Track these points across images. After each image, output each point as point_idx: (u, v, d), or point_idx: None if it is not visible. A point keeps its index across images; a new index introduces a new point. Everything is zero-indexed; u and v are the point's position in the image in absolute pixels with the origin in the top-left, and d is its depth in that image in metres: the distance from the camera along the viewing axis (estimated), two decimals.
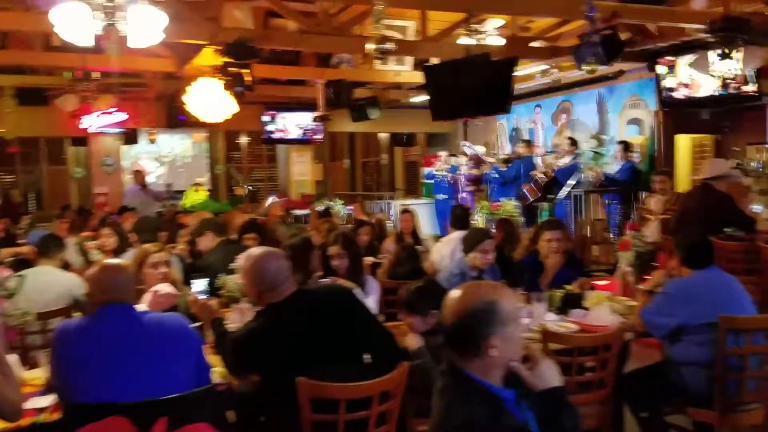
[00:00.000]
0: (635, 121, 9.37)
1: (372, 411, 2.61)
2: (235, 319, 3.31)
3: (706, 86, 7.50)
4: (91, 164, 12.37)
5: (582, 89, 10.04)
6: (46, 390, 2.67)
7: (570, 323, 3.69)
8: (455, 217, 6.13)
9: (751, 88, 7.07)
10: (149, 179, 12.04)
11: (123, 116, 10.41)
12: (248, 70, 6.66)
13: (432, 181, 11.37)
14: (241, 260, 2.94)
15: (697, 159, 8.19)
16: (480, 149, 10.55)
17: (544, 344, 3.19)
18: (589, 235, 8.85)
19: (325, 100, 9.81)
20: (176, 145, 14.07)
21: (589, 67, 5.60)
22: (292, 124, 12.45)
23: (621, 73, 9.00)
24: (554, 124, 10.91)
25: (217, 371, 2.84)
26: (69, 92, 8.95)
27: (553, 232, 4.50)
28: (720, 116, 8.12)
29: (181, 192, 11.40)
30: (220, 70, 6.92)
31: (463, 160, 11.09)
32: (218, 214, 6.96)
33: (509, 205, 7.75)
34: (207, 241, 5.01)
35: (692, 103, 7.78)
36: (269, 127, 12.35)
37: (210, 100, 7.51)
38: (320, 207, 8.99)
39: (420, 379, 2.82)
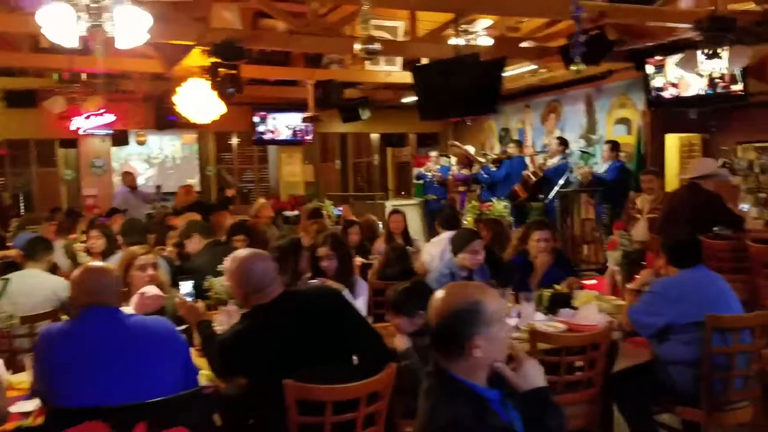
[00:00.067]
0: (624, 121, 9.41)
1: (359, 413, 2.61)
2: (223, 322, 3.30)
3: (695, 86, 7.54)
4: (80, 166, 12.30)
5: (571, 89, 10.07)
6: (32, 394, 2.65)
7: (558, 323, 3.70)
8: (444, 217, 6.13)
9: (738, 87, 7.12)
10: (139, 181, 11.99)
11: (111, 118, 10.36)
12: (235, 71, 6.64)
13: (422, 182, 11.38)
14: (227, 262, 2.92)
15: (685, 158, 8.24)
16: (470, 149, 10.56)
17: (533, 344, 3.20)
18: (579, 234, 8.88)
19: (315, 100, 9.79)
20: (166, 146, 14.01)
21: (576, 68, 5.61)
22: (282, 124, 12.42)
23: (609, 73, 9.03)
24: (543, 124, 10.93)
25: (204, 374, 2.83)
26: (57, 94, 8.91)
27: (541, 232, 4.53)
28: (707, 116, 8.16)
29: (171, 194, 11.35)
30: (209, 71, 6.89)
31: (453, 160, 11.10)
32: (208, 216, 6.92)
33: (499, 206, 7.74)
34: (194, 244, 5.00)
35: (680, 102, 7.81)
36: (260, 128, 12.32)
37: (199, 101, 7.49)
38: (311, 208, 8.96)
39: (408, 380, 2.82)
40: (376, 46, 4.73)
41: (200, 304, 3.19)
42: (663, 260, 3.59)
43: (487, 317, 1.80)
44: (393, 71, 8.97)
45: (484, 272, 4.39)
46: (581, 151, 9.70)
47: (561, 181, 8.77)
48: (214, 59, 6.48)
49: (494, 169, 9.85)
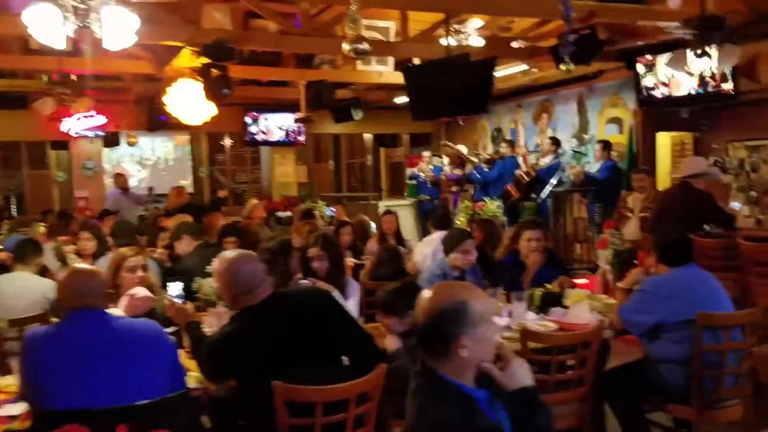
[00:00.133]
0: (615, 121, 9.43)
1: (349, 413, 2.60)
2: (212, 323, 3.29)
3: (685, 85, 7.56)
4: (72, 168, 12.25)
5: (562, 89, 10.09)
6: (19, 397, 2.63)
7: (549, 322, 3.70)
8: (436, 217, 6.13)
9: (729, 86, 7.14)
10: (131, 182, 11.95)
11: (102, 119, 10.32)
12: (224, 71, 6.61)
13: (415, 182, 11.38)
14: (215, 263, 2.91)
15: (677, 157, 8.25)
16: (462, 149, 10.57)
17: (523, 343, 3.20)
18: (571, 233, 8.89)
19: (307, 101, 9.78)
20: (159, 148, 13.98)
21: (565, 67, 5.62)
22: (274, 125, 12.39)
23: (601, 72, 9.05)
24: (535, 124, 10.95)
25: (193, 376, 2.82)
26: (46, 95, 8.86)
27: (532, 232, 4.53)
28: (698, 114, 8.19)
29: (164, 195, 11.31)
30: (200, 72, 6.87)
31: (446, 160, 11.10)
32: (200, 218, 6.90)
33: (492, 206, 7.75)
34: (184, 245, 4.98)
35: (671, 101, 7.83)
36: (252, 129, 12.29)
37: (189, 101, 7.46)
38: (304, 208, 8.94)
39: (398, 380, 2.80)
40: (365, 45, 4.72)
41: (189, 306, 3.18)
42: (653, 259, 3.59)
43: (473, 317, 1.80)
44: (385, 71, 8.96)
45: (476, 272, 4.39)
46: (573, 150, 9.72)
47: (553, 181, 8.78)
48: (204, 60, 6.46)
49: (487, 169, 9.86)
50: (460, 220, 7.06)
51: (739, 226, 6.09)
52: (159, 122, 10.39)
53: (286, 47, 7.70)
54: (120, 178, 10.65)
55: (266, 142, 12.66)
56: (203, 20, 6.82)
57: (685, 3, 6.15)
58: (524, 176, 9.25)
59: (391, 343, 3.06)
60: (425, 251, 5.60)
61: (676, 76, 7.53)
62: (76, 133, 10.57)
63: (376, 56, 8.48)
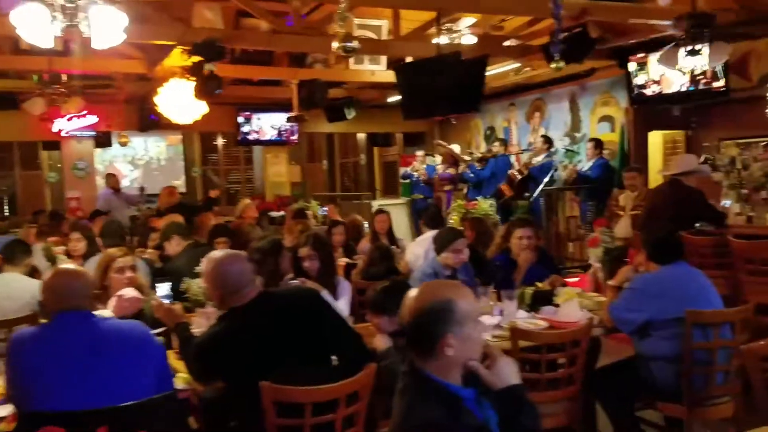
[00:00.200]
0: (607, 119, 9.43)
1: (338, 414, 2.59)
2: (201, 324, 3.27)
3: (677, 83, 7.58)
4: (64, 168, 12.20)
5: (555, 88, 10.09)
6: (5, 400, 2.61)
7: (540, 320, 3.70)
8: (428, 216, 6.13)
9: (720, 84, 7.16)
10: (124, 183, 11.91)
11: (94, 119, 10.27)
12: (214, 70, 6.58)
13: (409, 181, 11.37)
14: (203, 264, 2.90)
15: (669, 155, 8.26)
16: (455, 148, 10.57)
17: (514, 341, 3.19)
18: (564, 232, 8.91)
19: (300, 100, 9.75)
20: (151, 148, 13.94)
21: (556, 65, 5.61)
22: (267, 125, 12.35)
23: (593, 71, 9.05)
24: (528, 122, 10.96)
25: (181, 377, 2.81)
26: (37, 95, 8.81)
27: (523, 230, 4.54)
28: (690, 112, 8.20)
29: (156, 195, 11.28)
30: (191, 71, 6.84)
31: (439, 159, 11.10)
32: (191, 218, 6.87)
33: (485, 204, 7.74)
34: (174, 245, 4.96)
35: (663, 99, 7.84)
36: (244, 128, 12.25)
37: (181, 101, 7.43)
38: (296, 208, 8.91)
39: (388, 380, 2.78)
40: (354, 44, 4.71)
41: (178, 307, 3.17)
42: (643, 256, 3.59)
43: (459, 316, 1.79)
44: (378, 70, 8.95)
45: (468, 271, 4.38)
46: (566, 149, 9.73)
47: (546, 179, 8.79)
48: (195, 58, 6.43)
49: (480, 167, 9.87)
50: (453, 219, 7.05)
51: (729, 223, 6.10)
52: (150, 122, 10.36)
53: (278, 46, 7.68)
54: (112, 179, 10.61)
55: (259, 142, 12.62)
56: (194, 19, 6.79)
57: (676, 1, 6.17)
58: (517, 175, 9.26)
59: (381, 342, 3.05)
60: (418, 251, 5.59)
61: (667, 74, 7.54)
62: (67, 133, 10.53)
63: (368, 55, 8.47)
